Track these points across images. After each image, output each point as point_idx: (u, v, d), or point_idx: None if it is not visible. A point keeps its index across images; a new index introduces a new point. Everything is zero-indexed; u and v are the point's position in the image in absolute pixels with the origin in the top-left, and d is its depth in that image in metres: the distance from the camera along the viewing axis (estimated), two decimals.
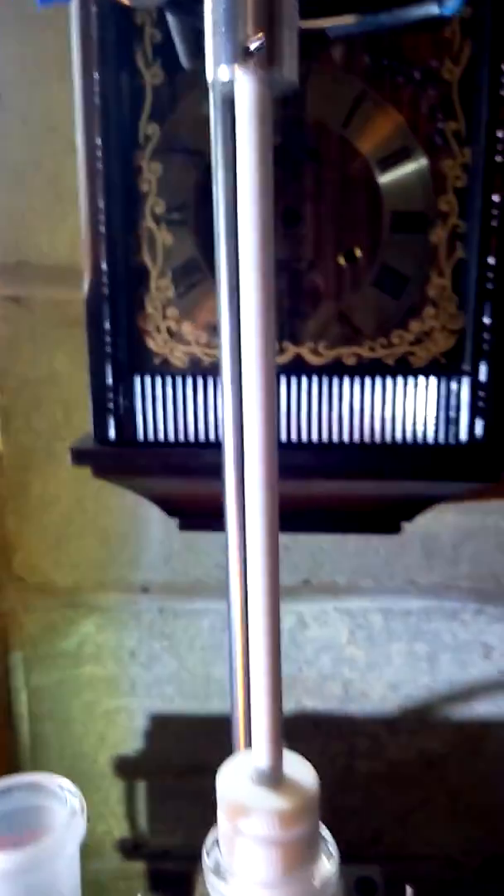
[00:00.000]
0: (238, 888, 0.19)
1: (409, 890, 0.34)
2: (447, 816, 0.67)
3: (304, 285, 0.47)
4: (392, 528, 0.54)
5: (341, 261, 0.47)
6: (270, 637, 0.18)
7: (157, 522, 0.62)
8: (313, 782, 0.19)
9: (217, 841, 0.20)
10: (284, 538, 0.64)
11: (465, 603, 0.62)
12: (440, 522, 0.60)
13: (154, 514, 0.62)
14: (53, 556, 0.64)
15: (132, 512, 0.62)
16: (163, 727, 0.67)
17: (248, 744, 0.19)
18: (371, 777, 0.66)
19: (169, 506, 0.53)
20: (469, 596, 0.62)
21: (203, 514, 0.52)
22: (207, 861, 0.20)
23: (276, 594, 0.19)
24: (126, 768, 0.68)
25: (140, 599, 0.65)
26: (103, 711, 0.67)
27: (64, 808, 0.18)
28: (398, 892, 0.42)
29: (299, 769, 0.19)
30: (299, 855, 0.19)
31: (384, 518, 0.53)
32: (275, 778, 0.19)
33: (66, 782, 0.19)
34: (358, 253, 0.47)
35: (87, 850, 0.71)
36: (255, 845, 0.18)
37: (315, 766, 0.20)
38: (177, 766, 0.67)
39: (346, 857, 0.56)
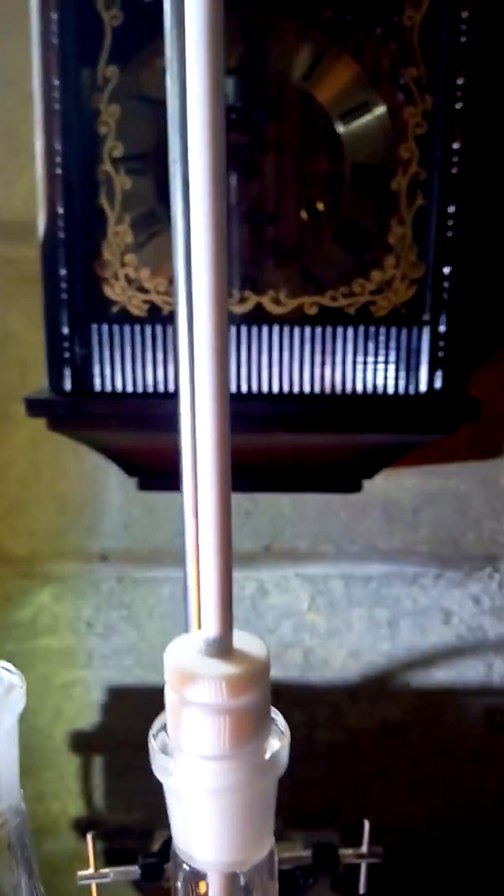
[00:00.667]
0: (186, 763, 0.18)
1: (366, 823, 0.33)
2: (407, 786, 0.67)
3: (266, 237, 0.47)
4: (352, 486, 0.53)
5: (303, 215, 0.47)
6: (220, 516, 0.18)
7: (116, 488, 0.61)
8: (264, 653, 0.18)
9: (164, 724, 0.19)
10: (245, 503, 0.63)
11: (425, 567, 0.62)
12: (400, 486, 0.60)
13: (113, 479, 0.61)
14: (8, 523, 0.62)
15: (90, 477, 0.61)
16: (121, 700, 0.66)
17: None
18: (331, 747, 0.65)
19: (127, 463, 0.53)
20: (429, 561, 0.62)
21: (162, 473, 0.51)
22: (154, 744, 0.19)
23: (227, 540, 0.18)
24: (82, 743, 0.67)
25: (98, 568, 0.63)
26: (59, 684, 0.65)
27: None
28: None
29: (249, 643, 0.19)
30: (248, 727, 0.18)
31: (344, 476, 0.53)
32: (224, 648, 0.18)
33: (4, 664, 0.18)
34: (320, 206, 0.47)
35: (42, 830, 0.70)
36: (202, 715, 0.18)
37: None
38: (135, 741, 0.66)
39: (307, 828, 0.55)
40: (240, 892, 0.20)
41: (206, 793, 0.18)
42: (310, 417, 0.46)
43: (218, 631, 0.18)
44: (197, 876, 0.20)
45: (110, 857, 0.70)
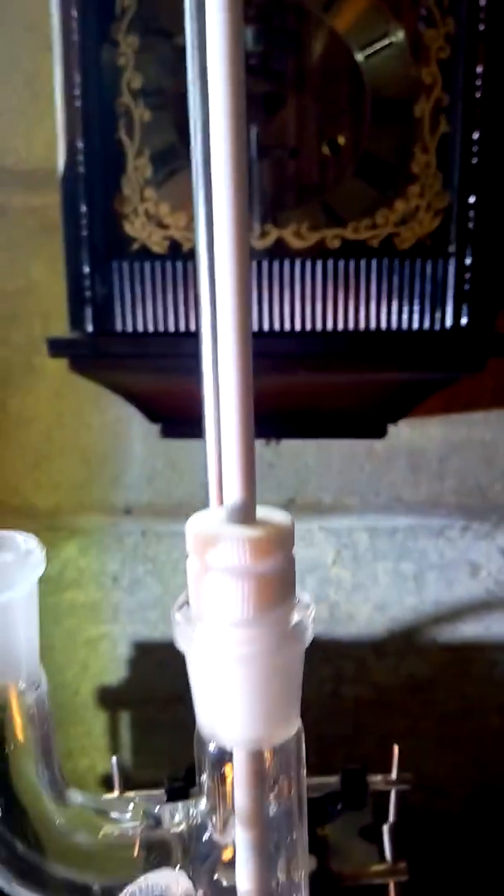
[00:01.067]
0: (210, 632, 0.18)
1: (395, 748, 0.33)
2: (434, 744, 0.66)
3: (287, 172, 0.46)
4: (377, 431, 0.53)
5: (325, 150, 0.46)
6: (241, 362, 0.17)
7: (139, 440, 0.61)
8: (287, 521, 0.18)
9: (186, 599, 0.19)
10: (268, 455, 0.63)
11: (451, 520, 0.61)
12: (425, 436, 0.59)
13: (136, 431, 0.61)
14: (33, 476, 0.63)
15: (113, 429, 0.61)
16: (147, 655, 0.66)
17: None
18: (357, 702, 0.65)
19: (150, 409, 0.52)
20: (455, 512, 0.61)
21: (185, 419, 0.51)
22: (178, 615, 0.18)
23: (249, 409, 0.18)
24: (109, 699, 0.67)
25: (123, 522, 0.63)
26: (85, 639, 0.66)
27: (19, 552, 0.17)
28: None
29: (272, 513, 0.18)
30: (272, 592, 0.17)
31: (369, 420, 0.52)
32: (247, 515, 0.18)
33: (22, 534, 0.18)
34: (341, 141, 0.46)
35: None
36: (225, 579, 0.17)
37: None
38: (162, 696, 0.66)
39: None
40: (266, 779, 0.19)
41: (230, 661, 0.18)
42: (332, 355, 0.46)
43: (241, 498, 0.18)
44: (222, 761, 0.20)
45: None
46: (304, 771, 0.20)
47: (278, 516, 0.18)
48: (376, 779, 0.34)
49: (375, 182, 0.45)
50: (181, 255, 0.45)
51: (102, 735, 0.68)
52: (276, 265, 0.45)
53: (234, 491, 0.18)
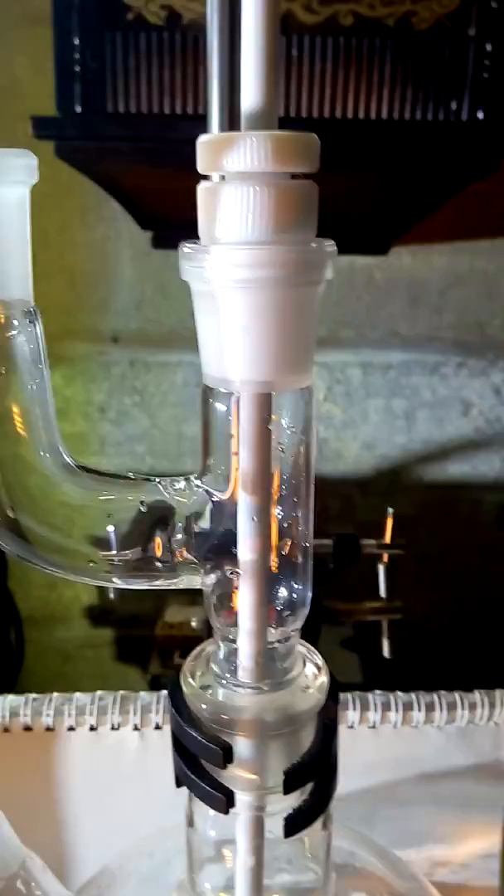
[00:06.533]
0: (222, 254, 0.16)
1: (389, 511, 0.32)
2: (413, 582, 0.67)
3: None
4: (380, 247, 0.51)
5: None
6: None
7: (127, 262, 0.58)
8: (313, 136, 0.16)
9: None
10: None
11: (447, 356, 0.60)
12: (428, 265, 0.57)
13: (125, 251, 0.58)
14: None
15: (101, 249, 0.58)
16: None
17: None
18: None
19: (141, 207, 0.49)
20: (452, 348, 0.60)
21: (178, 224, 0.48)
22: (185, 248, 0.17)
23: None
24: None
25: (110, 350, 0.62)
26: None
27: None
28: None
29: None
30: (293, 209, 0.16)
31: (372, 233, 0.50)
32: (268, 121, 0.16)
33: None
34: None
35: (54, 619, 0.71)
36: (243, 188, 0.16)
37: None
38: None
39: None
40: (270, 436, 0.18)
41: (241, 288, 0.16)
42: (337, 147, 0.43)
43: (260, 101, 0.16)
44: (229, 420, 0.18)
45: (120, 643, 0.72)
46: (314, 440, 0.19)
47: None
48: (370, 542, 0.34)
49: None
50: (179, 27, 0.42)
51: None
52: (281, 41, 0.42)
53: (252, 94, 0.16)
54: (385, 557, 0.33)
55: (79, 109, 0.43)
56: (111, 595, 0.51)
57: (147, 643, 0.68)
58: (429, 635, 0.66)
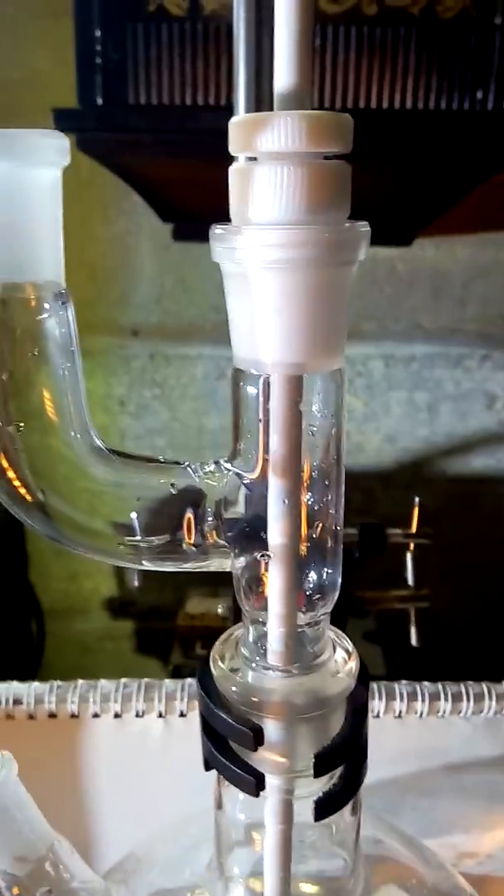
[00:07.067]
0: (254, 235, 0.16)
1: (416, 500, 0.32)
2: (437, 575, 0.67)
3: None
4: (404, 238, 0.50)
5: None
6: None
7: (148, 256, 0.59)
8: (347, 116, 0.16)
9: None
10: None
11: (471, 348, 0.59)
12: (451, 257, 0.57)
13: (146, 245, 0.58)
14: None
15: (122, 242, 0.58)
16: None
17: None
18: None
19: (162, 199, 0.49)
20: (476, 340, 0.59)
21: (200, 218, 0.48)
22: (217, 230, 0.17)
23: None
24: None
25: (130, 344, 0.62)
26: None
27: None
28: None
29: None
30: (327, 188, 0.16)
31: (396, 224, 0.49)
32: (301, 101, 0.16)
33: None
34: None
35: (74, 611, 0.71)
36: (276, 168, 0.15)
37: None
38: None
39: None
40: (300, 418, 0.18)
41: (273, 269, 0.16)
42: (361, 137, 0.42)
43: (294, 82, 0.16)
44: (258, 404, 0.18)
45: (140, 635, 0.72)
46: (344, 423, 0.19)
47: None
48: (395, 531, 0.34)
49: None
50: (202, 18, 0.42)
51: None
52: None
53: (284, 74, 0.16)
54: (412, 546, 0.33)
55: (100, 101, 0.43)
56: (135, 583, 0.50)
57: (167, 635, 0.69)
58: (453, 627, 0.66)
